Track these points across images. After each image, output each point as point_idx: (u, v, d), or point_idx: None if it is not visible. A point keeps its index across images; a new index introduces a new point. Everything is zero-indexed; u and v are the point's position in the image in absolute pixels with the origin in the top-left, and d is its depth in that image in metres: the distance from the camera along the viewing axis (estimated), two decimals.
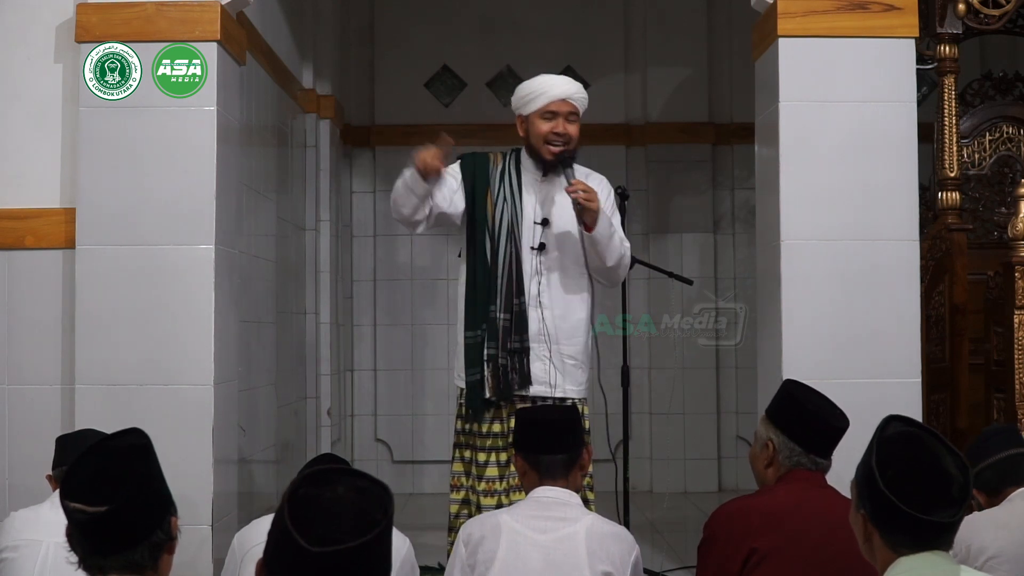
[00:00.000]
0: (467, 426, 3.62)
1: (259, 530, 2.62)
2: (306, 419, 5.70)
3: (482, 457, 3.58)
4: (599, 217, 3.51)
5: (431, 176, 3.50)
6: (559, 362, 3.57)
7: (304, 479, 1.58)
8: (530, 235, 3.61)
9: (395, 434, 6.76)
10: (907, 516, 1.83)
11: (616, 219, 3.71)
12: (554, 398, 3.56)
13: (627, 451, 4.61)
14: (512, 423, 3.51)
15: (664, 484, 6.60)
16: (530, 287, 3.58)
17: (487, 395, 3.57)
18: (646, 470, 6.63)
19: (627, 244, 3.69)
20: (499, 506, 3.50)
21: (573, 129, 3.65)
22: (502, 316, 3.56)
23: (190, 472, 3.31)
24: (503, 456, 3.56)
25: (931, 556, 1.86)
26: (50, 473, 2.97)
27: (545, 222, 3.59)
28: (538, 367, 3.56)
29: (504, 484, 3.55)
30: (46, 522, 2.66)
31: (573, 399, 3.56)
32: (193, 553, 3.31)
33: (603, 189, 3.68)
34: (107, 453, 1.83)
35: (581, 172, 3.70)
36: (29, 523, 2.75)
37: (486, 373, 3.57)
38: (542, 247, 3.59)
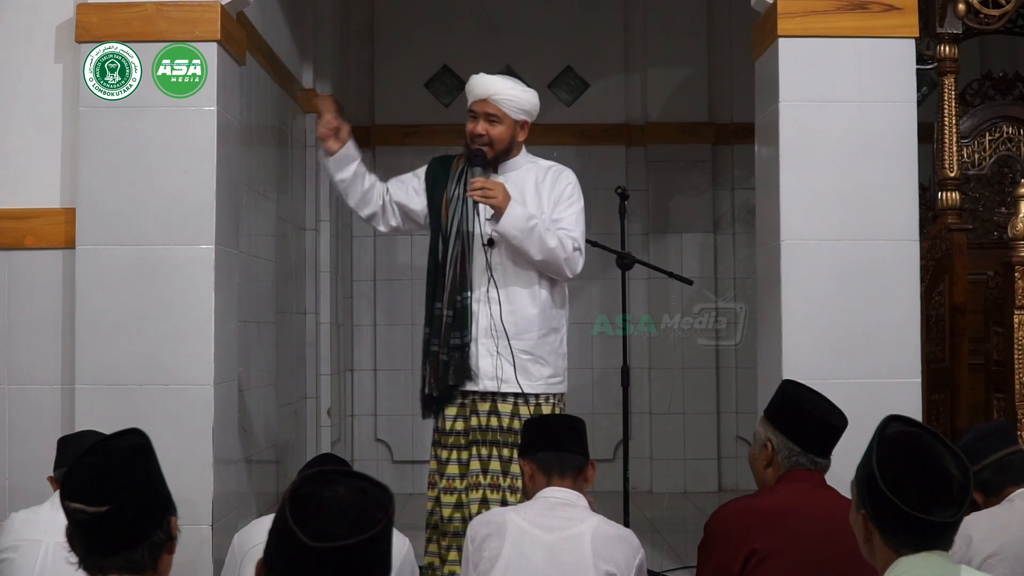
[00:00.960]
0: (438, 424, 3.64)
1: (259, 530, 2.62)
2: (306, 419, 5.69)
3: (444, 455, 3.59)
4: (509, 211, 3.47)
5: (331, 147, 3.59)
6: (511, 357, 3.53)
7: (305, 479, 1.58)
8: (483, 232, 3.59)
9: (395, 434, 6.76)
10: (907, 516, 1.83)
11: (573, 209, 3.62)
12: (501, 393, 3.54)
13: (627, 451, 4.61)
14: (474, 421, 3.54)
15: (664, 484, 6.60)
16: (480, 283, 3.57)
17: (425, 391, 3.58)
18: (646, 470, 6.64)
19: (573, 236, 3.57)
20: (459, 504, 3.54)
21: (495, 131, 3.59)
22: (446, 312, 3.56)
23: (190, 472, 3.30)
24: (464, 455, 3.57)
25: (931, 556, 1.86)
26: (51, 475, 2.97)
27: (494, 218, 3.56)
28: (487, 362, 3.54)
29: (464, 483, 3.56)
30: (46, 522, 2.66)
31: (527, 394, 3.55)
32: (193, 553, 3.30)
33: (562, 180, 3.65)
34: (107, 453, 1.83)
35: (544, 165, 3.70)
36: (29, 524, 2.75)
37: (427, 369, 3.58)
38: (491, 243, 3.57)
